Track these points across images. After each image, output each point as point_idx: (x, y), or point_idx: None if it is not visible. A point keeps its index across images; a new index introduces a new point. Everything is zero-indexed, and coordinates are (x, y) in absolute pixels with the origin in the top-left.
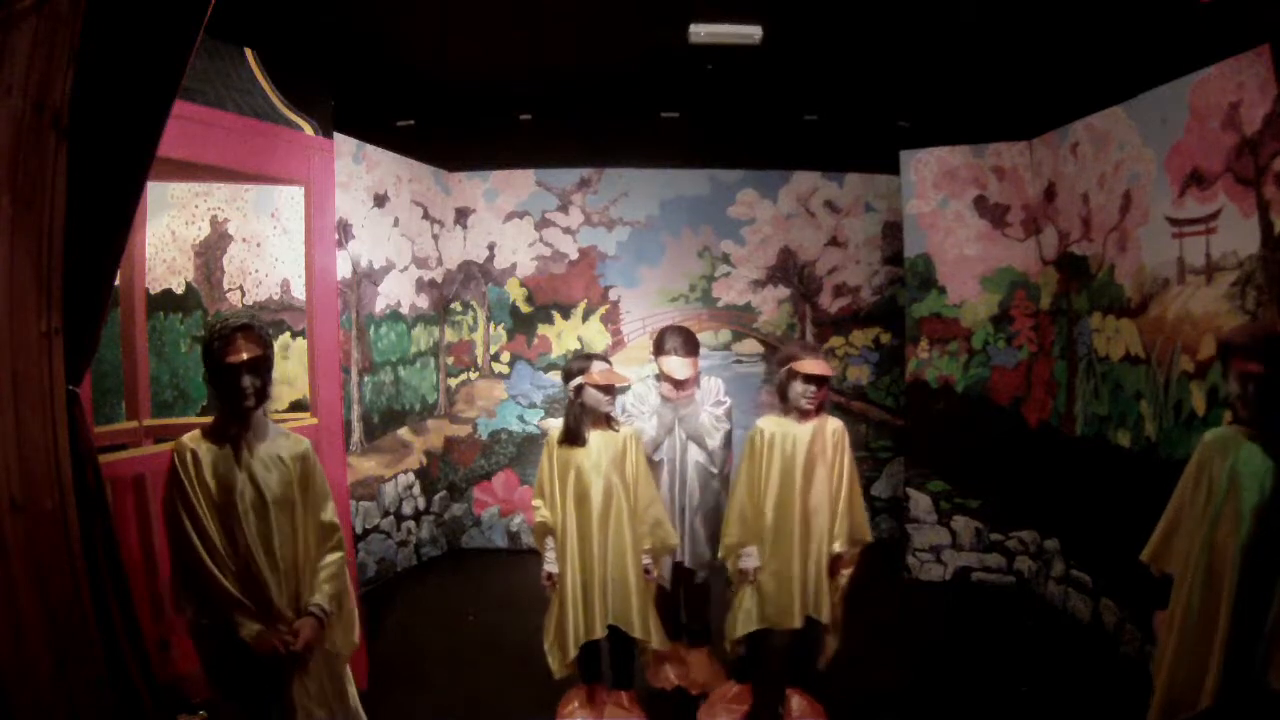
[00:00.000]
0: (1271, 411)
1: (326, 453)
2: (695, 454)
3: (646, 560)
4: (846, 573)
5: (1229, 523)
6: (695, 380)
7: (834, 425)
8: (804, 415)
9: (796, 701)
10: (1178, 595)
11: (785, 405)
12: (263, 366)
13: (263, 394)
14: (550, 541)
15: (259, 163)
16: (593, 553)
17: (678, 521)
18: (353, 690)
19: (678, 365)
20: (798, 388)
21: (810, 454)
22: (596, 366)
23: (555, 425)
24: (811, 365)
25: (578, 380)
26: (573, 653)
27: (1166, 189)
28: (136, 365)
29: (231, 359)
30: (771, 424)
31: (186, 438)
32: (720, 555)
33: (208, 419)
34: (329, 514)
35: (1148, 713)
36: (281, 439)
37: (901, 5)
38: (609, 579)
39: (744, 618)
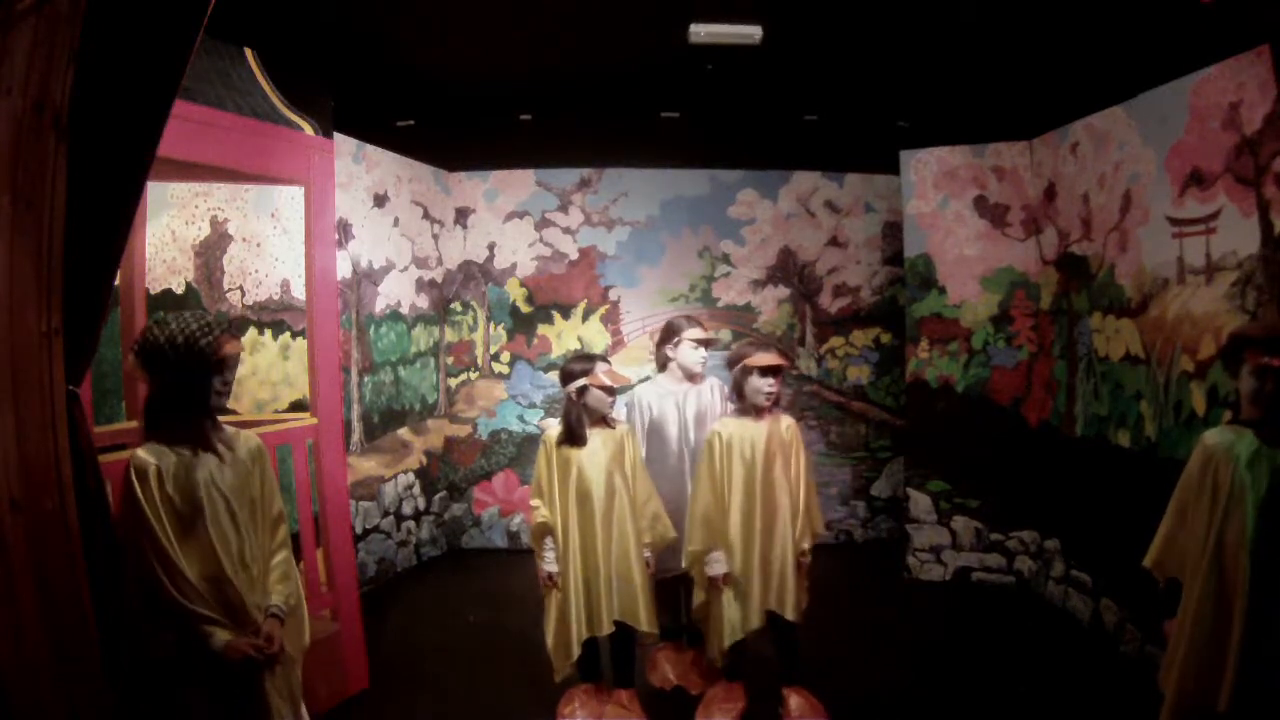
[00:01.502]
0: None
1: (326, 453)
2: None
3: (646, 554)
4: (805, 563)
5: (1238, 525)
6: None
7: (787, 422)
8: (759, 413)
9: (795, 701)
10: (1187, 601)
11: (742, 404)
12: (236, 364)
13: (229, 392)
14: (549, 542)
15: (259, 163)
16: (596, 551)
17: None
18: (300, 696)
19: (701, 331)
20: (754, 382)
21: (769, 453)
22: (599, 367)
23: (551, 425)
24: (764, 358)
25: (581, 381)
26: (576, 652)
27: (1166, 189)
28: None
29: (228, 351)
30: (729, 426)
31: (142, 452)
32: (686, 564)
33: (133, 424)
34: (277, 506)
35: (1157, 718)
36: (235, 439)
37: (901, 5)
38: (614, 576)
39: (730, 627)
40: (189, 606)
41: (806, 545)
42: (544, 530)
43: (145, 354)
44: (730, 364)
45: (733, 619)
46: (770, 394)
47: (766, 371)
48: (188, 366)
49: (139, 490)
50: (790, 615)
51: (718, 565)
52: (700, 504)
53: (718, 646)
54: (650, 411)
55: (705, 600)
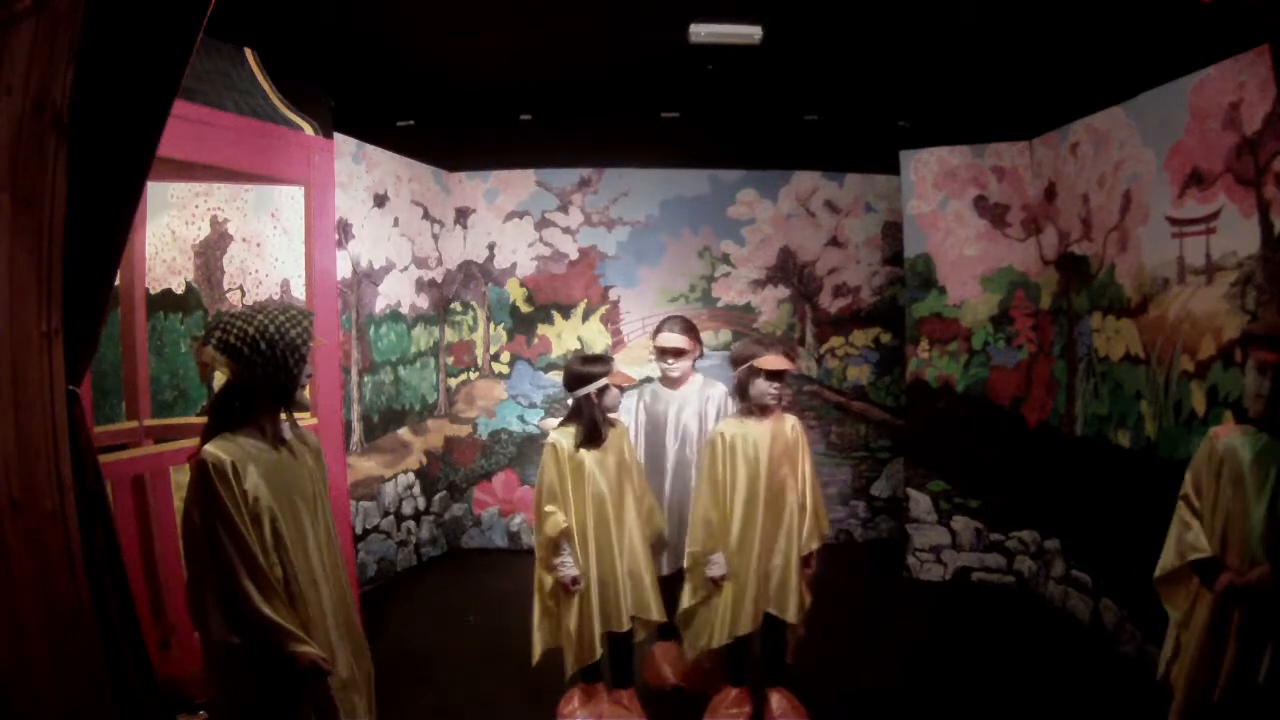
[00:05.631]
0: None
1: (326, 453)
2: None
3: None
4: (811, 566)
5: (1241, 521)
6: (690, 363)
7: (792, 422)
8: (764, 414)
9: (776, 700)
10: (1195, 597)
11: (745, 405)
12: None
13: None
14: (568, 546)
15: (259, 163)
16: (612, 549)
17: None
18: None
19: (666, 337)
20: (760, 385)
21: (773, 454)
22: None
23: (553, 427)
24: (773, 361)
25: (602, 381)
26: (600, 650)
27: (1166, 189)
28: (136, 365)
29: (314, 343)
30: (731, 426)
31: (214, 447)
32: (686, 564)
33: (201, 419)
34: (329, 507)
35: (1166, 717)
36: (305, 435)
37: (901, 5)
38: (627, 573)
39: (719, 628)
40: (269, 616)
41: (815, 546)
42: (565, 535)
43: (233, 347)
44: (735, 362)
45: (725, 621)
46: (775, 396)
47: (773, 375)
48: (279, 358)
49: (219, 487)
50: (791, 618)
51: (717, 567)
52: (701, 505)
53: (704, 647)
54: (644, 415)
55: (693, 604)
